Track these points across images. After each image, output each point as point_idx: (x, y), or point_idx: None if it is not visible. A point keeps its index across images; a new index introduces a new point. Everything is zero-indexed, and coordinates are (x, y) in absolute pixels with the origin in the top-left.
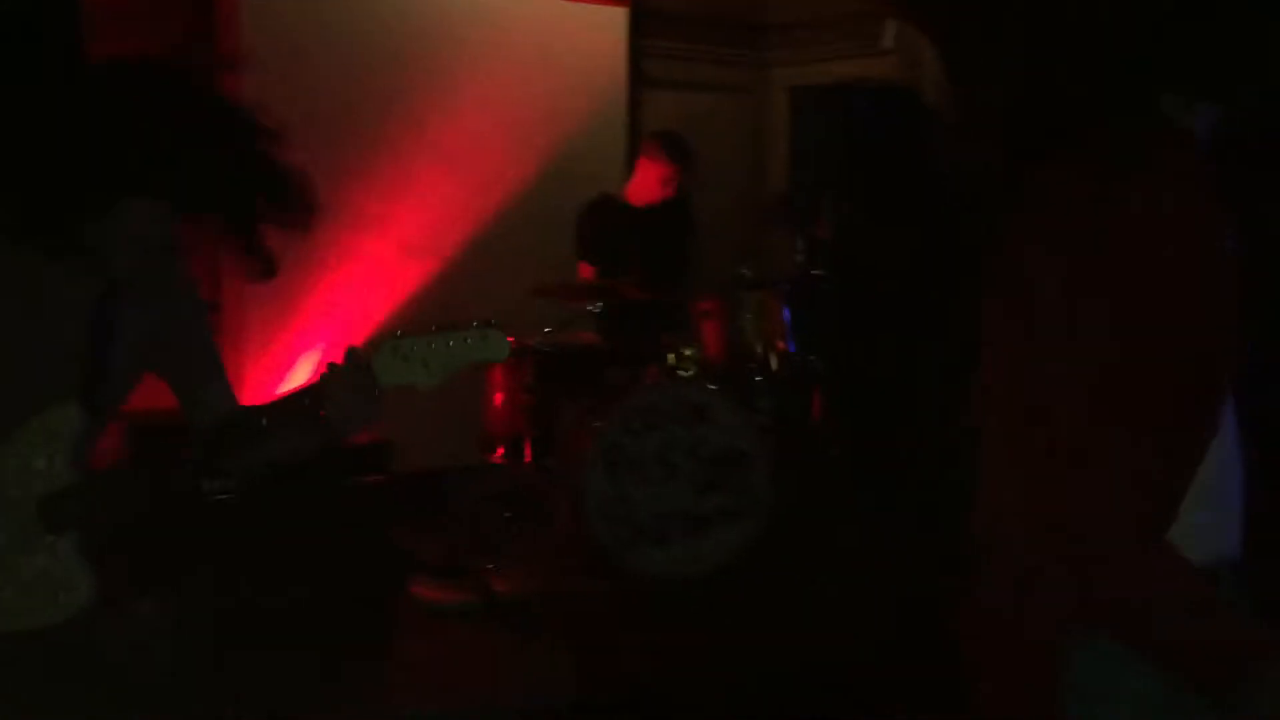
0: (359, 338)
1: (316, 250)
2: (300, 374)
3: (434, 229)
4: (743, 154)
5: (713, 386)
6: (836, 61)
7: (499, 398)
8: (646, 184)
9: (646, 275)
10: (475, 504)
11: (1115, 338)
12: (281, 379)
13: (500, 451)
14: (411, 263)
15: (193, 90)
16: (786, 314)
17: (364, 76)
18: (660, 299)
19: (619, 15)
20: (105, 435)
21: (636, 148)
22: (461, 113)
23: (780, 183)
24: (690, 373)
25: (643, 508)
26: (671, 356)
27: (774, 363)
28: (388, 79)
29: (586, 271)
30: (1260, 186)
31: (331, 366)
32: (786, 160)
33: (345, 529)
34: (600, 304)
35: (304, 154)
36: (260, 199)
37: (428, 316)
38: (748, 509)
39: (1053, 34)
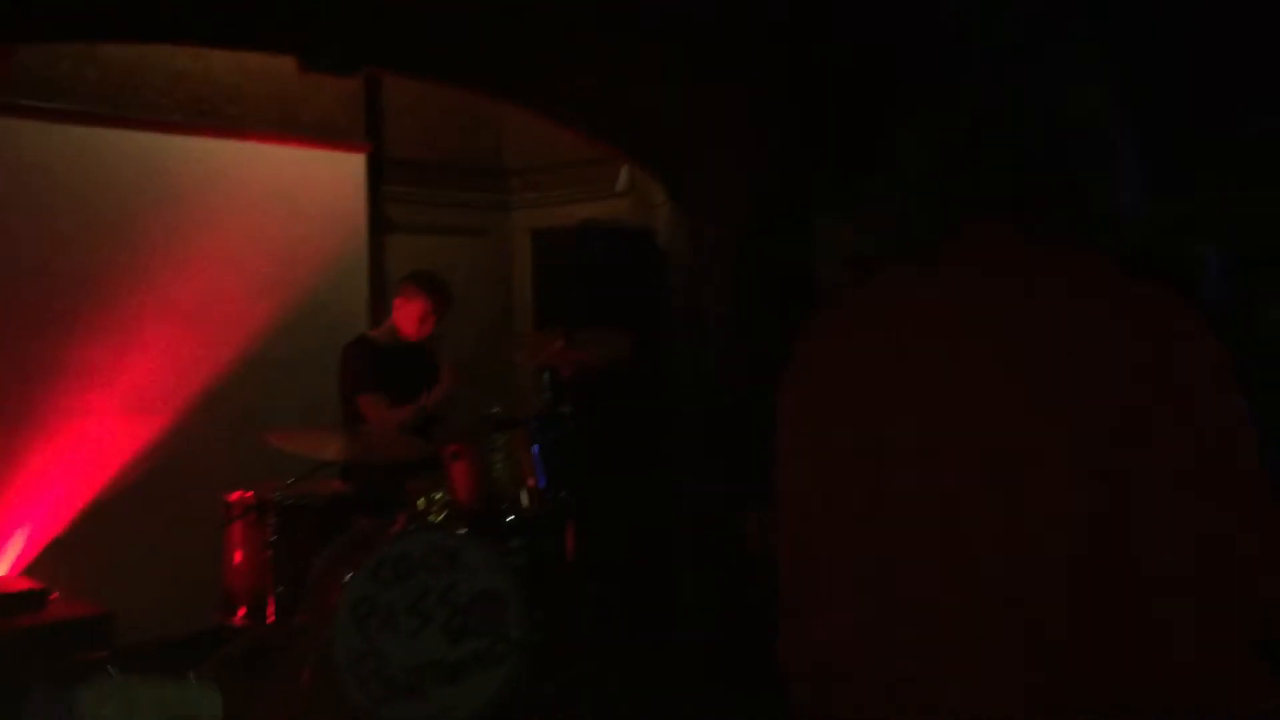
0: (80, 502)
1: (33, 409)
2: (10, 553)
3: (164, 383)
4: (487, 295)
5: (463, 530)
6: (575, 204)
7: (239, 555)
8: (405, 323)
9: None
10: (213, 672)
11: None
12: None
13: (242, 612)
14: (139, 419)
15: None
16: (536, 451)
17: (89, 228)
18: (413, 456)
19: (358, 161)
20: None
21: (379, 293)
22: (193, 262)
23: (525, 320)
24: (440, 517)
25: (395, 660)
26: (421, 501)
27: (525, 501)
28: (114, 230)
29: (368, 403)
30: None
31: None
32: (531, 300)
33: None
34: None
35: (25, 309)
36: None
37: (157, 474)
38: (504, 652)
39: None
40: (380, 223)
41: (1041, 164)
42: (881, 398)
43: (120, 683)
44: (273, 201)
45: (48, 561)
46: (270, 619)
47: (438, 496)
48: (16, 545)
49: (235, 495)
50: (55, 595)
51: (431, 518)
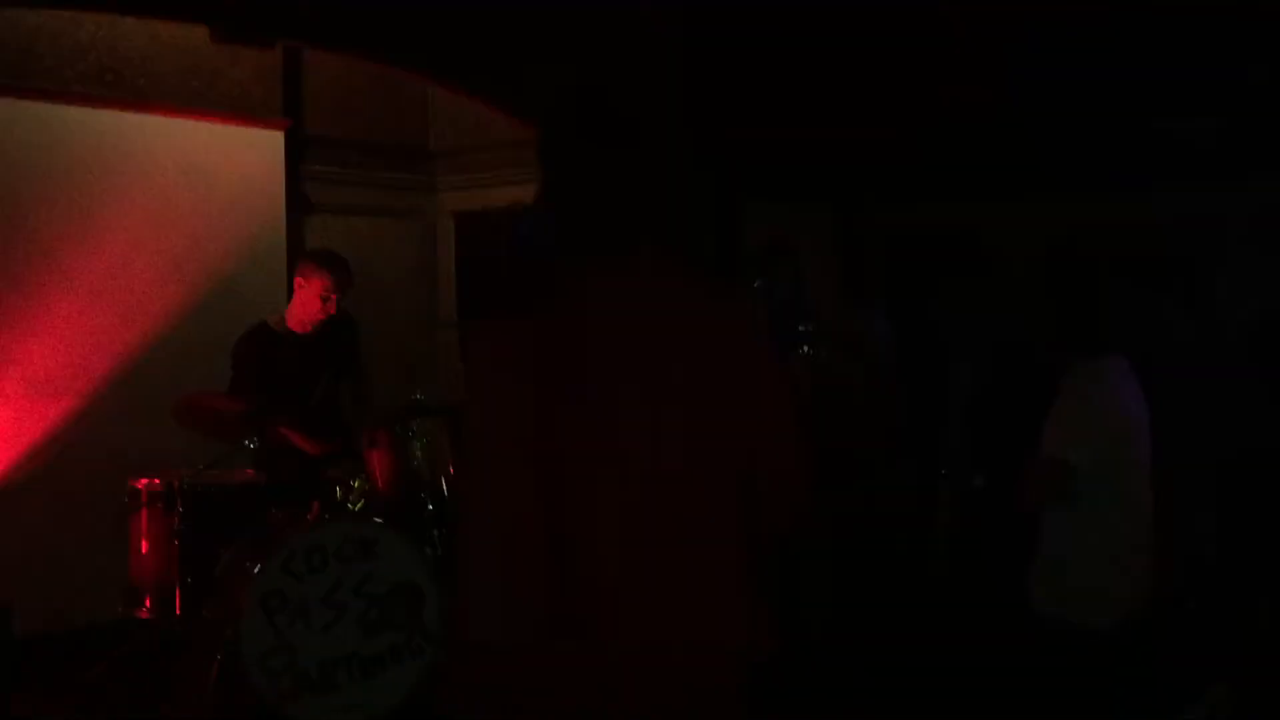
0: None
1: None
2: None
3: (69, 364)
4: (410, 277)
5: (380, 520)
6: (502, 187)
7: (145, 545)
8: (307, 304)
9: (308, 407)
10: (116, 665)
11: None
12: None
13: (148, 604)
14: (42, 402)
15: None
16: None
17: None
18: (323, 451)
19: (276, 138)
20: None
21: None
22: (99, 239)
23: (449, 305)
24: (358, 506)
25: (307, 655)
26: (338, 490)
27: (447, 490)
28: (13, 205)
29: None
30: None
31: None
32: (454, 283)
33: None
34: (256, 439)
35: None
36: None
37: (61, 459)
38: (422, 645)
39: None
40: (299, 202)
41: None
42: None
43: None
44: (184, 178)
45: None
46: (177, 612)
47: (355, 484)
48: None
49: (142, 482)
50: None
51: (349, 506)
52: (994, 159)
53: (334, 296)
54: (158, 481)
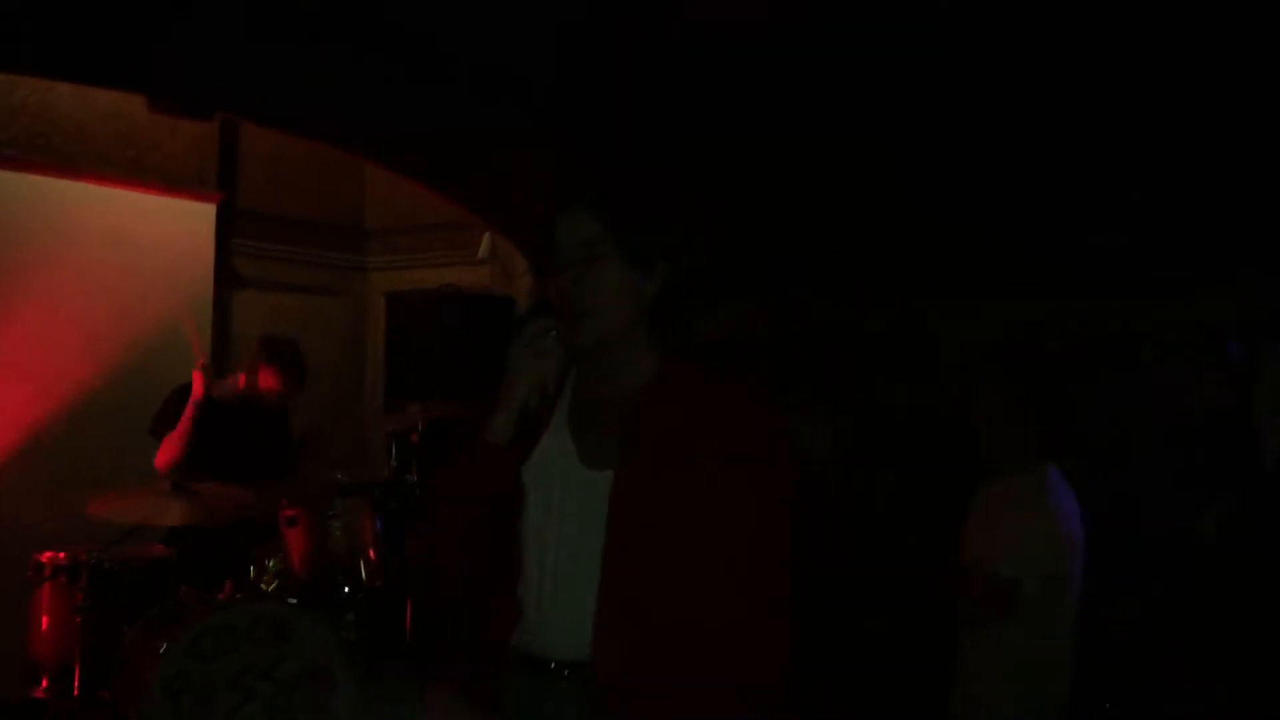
0: None
1: None
2: None
3: None
4: (338, 357)
5: (294, 601)
6: (435, 269)
7: (45, 621)
8: (250, 383)
9: (232, 472)
10: None
11: None
12: None
13: (45, 684)
14: None
15: None
16: (379, 522)
17: None
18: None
19: (207, 211)
20: None
21: (222, 349)
22: (19, 307)
23: (377, 385)
24: (272, 587)
25: None
26: (252, 569)
27: (365, 573)
28: None
29: (167, 451)
30: None
31: None
32: (383, 365)
33: None
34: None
35: None
36: None
37: None
38: None
39: None
40: (228, 276)
41: None
42: None
43: None
44: (112, 247)
45: None
46: (75, 692)
47: (270, 563)
48: None
49: (46, 556)
50: None
51: (262, 586)
52: (939, 253)
53: (276, 391)
54: (63, 555)
